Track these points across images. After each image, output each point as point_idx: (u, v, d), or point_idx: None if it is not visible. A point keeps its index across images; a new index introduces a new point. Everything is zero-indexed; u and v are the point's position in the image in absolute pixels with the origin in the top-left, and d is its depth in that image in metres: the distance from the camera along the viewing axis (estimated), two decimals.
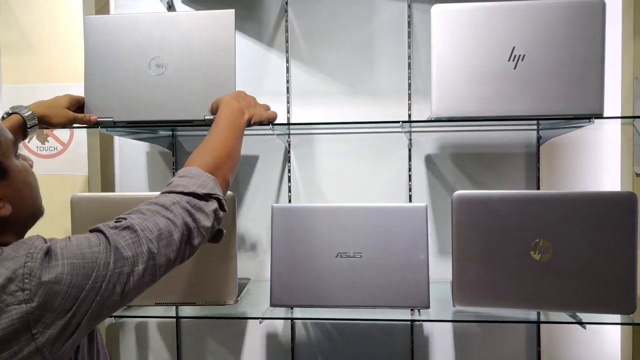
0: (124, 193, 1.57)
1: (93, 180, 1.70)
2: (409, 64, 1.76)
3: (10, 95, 1.66)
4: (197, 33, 1.44)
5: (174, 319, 1.86)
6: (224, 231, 1.12)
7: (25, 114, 1.24)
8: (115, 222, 0.90)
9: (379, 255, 1.45)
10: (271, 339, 1.86)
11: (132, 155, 1.85)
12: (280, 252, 1.49)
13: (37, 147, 1.67)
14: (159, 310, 1.60)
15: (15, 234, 0.89)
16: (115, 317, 1.69)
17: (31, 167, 0.97)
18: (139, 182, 1.86)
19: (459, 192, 1.40)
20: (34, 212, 0.93)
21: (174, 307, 1.59)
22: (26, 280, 0.76)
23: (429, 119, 1.44)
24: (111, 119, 1.42)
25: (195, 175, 1.01)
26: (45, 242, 0.83)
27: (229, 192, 1.46)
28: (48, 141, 1.67)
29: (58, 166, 1.66)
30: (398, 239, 1.45)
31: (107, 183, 1.78)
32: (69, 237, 0.85)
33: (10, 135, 0.90)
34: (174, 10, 1.84)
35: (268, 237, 1.81)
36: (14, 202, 0.87)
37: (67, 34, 1.72)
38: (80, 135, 1.74)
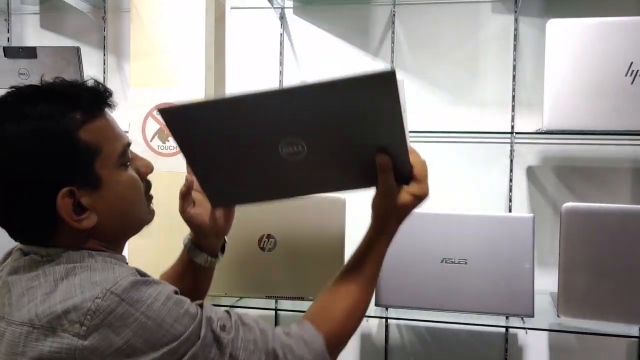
0: None
1: None
2: (514, 75, 1.78)
3: (135, 96, 1.81)
4: None
5: (273, 312, 1.95)
6: None
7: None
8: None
9: (484, 263, 1.49)
10: (365, 340, 1.92)
11: None
12: (387, 255, 1.55)
13: (158, 146, 1.80)
14: (260, 303, 1.69)
15: (106, 242, 0.85)
16: (225, 306, 1.79)
17: (146, 174, 0.91)
18: None
19: (568, 204, 1.41)
20: (128, 225, 0.88)
21: (273, 301, 1.67)
22: (89, 317, 0.71)
23: (538, 131, 1.46)
24: None
25: (311, 347, 0.86)
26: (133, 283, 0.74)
27: (340, 196, 1.54)
28: (169, 140, 1.81)
29: (177, 164, 1.79)
30: (503, 247, 1.48)
31: None
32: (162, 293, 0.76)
33: (117, 145, 0.84)
34: (286, 20, 1.94)
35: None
36: (103, 213, 0.82)
37: (188, 41, 1.85)
38: None
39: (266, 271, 1.59)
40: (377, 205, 0.95)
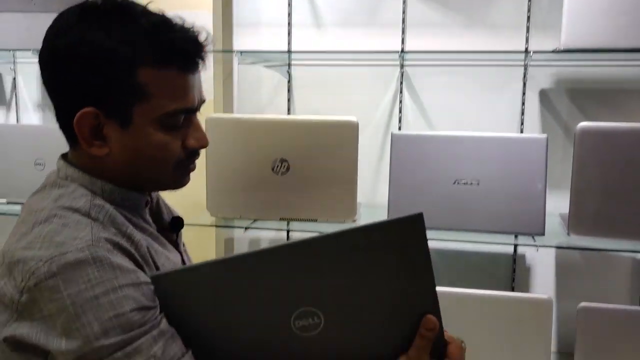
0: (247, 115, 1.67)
1: (217, 104, 1.82)
2: None
3: None
4: None
5: (285, 233, 1.99)
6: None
7: None
8: None
9: (496, 184, 1.50)
10: None
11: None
12: (398, 177, 1.56)
13: None
14: (273, 225, 1.71)
15: (116, 182, 0.82)
16: (234, 227, 1.82)
17: (193, 147, 0.84)
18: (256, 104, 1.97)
19: (583, 123, 1.41)
20: (138, 179, 0.84)
21: (285, 223, 1.69)
22: (27, 276, 0.69)
23: (555, 50, 1.44)
24: None
25: None
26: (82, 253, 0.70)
27: (352, 120, 1.54)
28: None
29: None
30: (516, 168, 1.49)
31: (228, 105, 1.90)
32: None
33: (170, 105, 0.79)
34: None
35: (374, 162, 1.89)
36: (115, 152, 0.80)
37: None
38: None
39: (280, 194, 1.61)
40: None
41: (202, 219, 1.66)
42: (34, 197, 0.82)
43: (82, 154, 0.82)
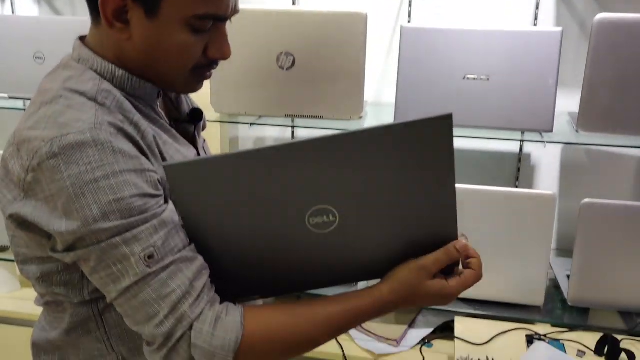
0: None
1: None
2: None
3: None
4: None
5: (290, 129, 1.98)
6: None
7: None
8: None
9: (506, 79, 1.47)
10: None
11: None
12: (406, 73, 1.52)
13: None
14: (279, 121, 1.70)
15: (132, 68, 0.80)
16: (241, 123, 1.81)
17: (213, 56, 0.82)
18: None
19: (602, 14, 1.36)
20: (152, 72, 0.81)
21: (290, 121, 1.68)
22: (31, 156, 0.70)
23: None
24: None
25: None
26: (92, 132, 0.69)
27: (361, 12, 1.48)
28: None
29: None
30: (527, 63, 1.45)
31: None
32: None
33: (202, 7, 0.75)
34: None
35: (382, 59, 1.84)
36: (135, 39, 0.77)
37: None
38: None
39: (285, 90, 1.58)
40: (407, 276, 0.79)
41: (206, 114, 1.64)
42: (46, 78, 0.81)
43: (102, 34, 0.80)
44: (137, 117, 0.77)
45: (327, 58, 1.53)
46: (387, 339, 1.58)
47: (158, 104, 0.85)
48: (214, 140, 1.96)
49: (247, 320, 0.73)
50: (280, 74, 1.56)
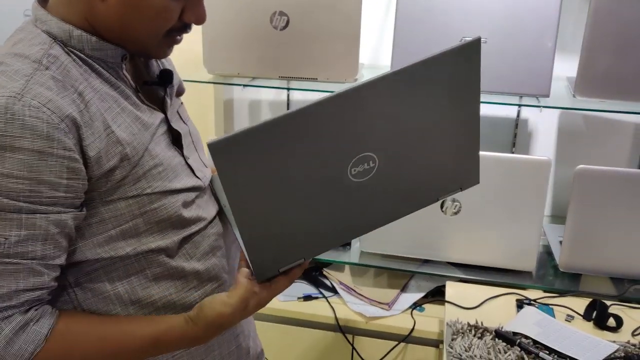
0: None
1: None
2: None
3: None
4: None
5: (285, 91, 1.95)
6: None
7: None
8: None
9: (504, 41, 1.44)
10: None
11: None
12: (402, 35, 1.50)
13: None
14: (274, 83, 1.67)
15: (100, 31, 0.77)
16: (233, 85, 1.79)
17: (189, 21, 0.81)
18: None
19: None
20: (125, 37, 0.78)
21: (285, 82, 1.65)
22: None
23: None
24: None
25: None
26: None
27: None
28: None
29: None
30: (525, 25, 1.42)
31: None
32: None
33: None
34: None
35: (378, 21, 1.81)
36: (113, 5, 0.75)
37: None
38: None
39: (279, 51, 1.56)
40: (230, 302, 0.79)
41: (198, 75, 1.62)
42: (4, 42, 0.79)
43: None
44: (83, 85, 0.74)
45: (321, 19, 1.51)
46: (379, 303, 1.59)
47: (124, 66, 0.81)
48: (207, 101, 1.94)
49: (54, 335, 0.73)
50: (274, 35, 1.53)
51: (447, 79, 0.71)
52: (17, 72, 0.71)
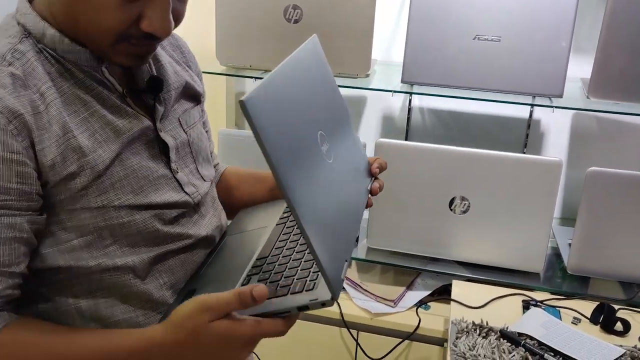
0: None
1: None
2: None
3: None
4: None
5: None
6: None
7: None
8: None
9: (518, 41, 1.43)
10: (387, 120, 1.94)
11: None
12: (416, 31, 1.49)
13: None
14: None
15: (64, 28, 0.71)
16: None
17: (145, 28, 0.70)
18: None
19: None
20: (75, 32, 0.71)
21: None
22: None
23: None
24: None
25: None
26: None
27: None
28: None
29: None
30: (540, 24, 1.41)
31: None
32: None
33: None
34: None
35: (392, 17, 1.80)
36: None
37: None
38: None
39: (291, 44, 1.54)
40: (188, 312, 0.66)
41: (211, 67, 1.62)
42: None
43: None
44: (46, 86, 0.70)
45: (335, 13, 1.50)
46: (385, 299, 1.59)
47: (105, 70, 0.74)
48: (219, 93, 1.94)
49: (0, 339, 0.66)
50: (287, 28, 1.53)
51: None
52: None
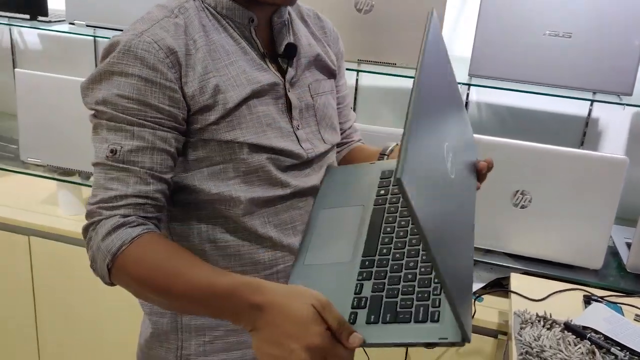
0: None
1: None
2: None
3: None
4: None
5: (355, 76, 1.98)
6: None
7: None
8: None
9: (589, 37, 1.43)
10: None
11: None
12: (486, 24, 1.50)
13: None
14: (350, 66, 1.68)
15: None
16: None
17: None
18: None
19: None
20: None
21: (355, 64, 1.66)
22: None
23: None
24: None
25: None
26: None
27: None
28: None
29: None
30: (612, 22, 1.41)
31: None
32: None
33: None
34: None
35: (454, 10, 1.81)
36: None
37: None
38: None
39: (360, 33, 1.57)
40: (299, 287, 0.73)
41: None
42: None
43: None
44: (199, 35, 0.85)
45: (405, 4, 1.52)
46: None
47: (253, 31, 0.89)
48: None
49: (140, 241, 0.77)
50: (358, 18, 1.55)
51: None
52: (151, 18, 0.84)
